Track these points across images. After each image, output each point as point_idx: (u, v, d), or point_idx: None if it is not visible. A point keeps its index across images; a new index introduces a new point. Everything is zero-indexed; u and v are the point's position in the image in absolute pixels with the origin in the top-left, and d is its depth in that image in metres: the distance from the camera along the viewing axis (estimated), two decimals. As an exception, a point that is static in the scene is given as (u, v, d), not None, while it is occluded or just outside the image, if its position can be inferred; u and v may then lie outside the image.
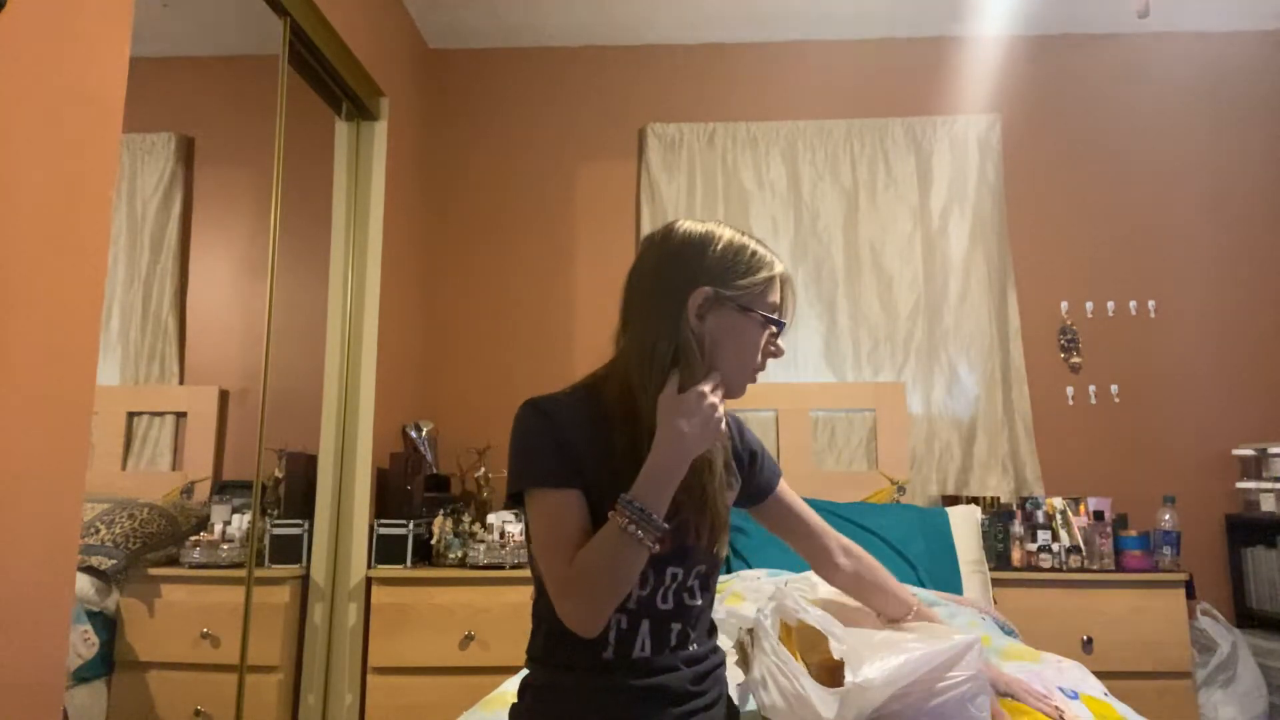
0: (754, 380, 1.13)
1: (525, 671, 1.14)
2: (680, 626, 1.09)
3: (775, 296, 1.11)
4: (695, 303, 1.06)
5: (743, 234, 1.12)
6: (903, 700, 0.91)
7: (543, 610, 1.10)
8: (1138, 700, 1.69)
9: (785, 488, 1.28)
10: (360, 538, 2.63)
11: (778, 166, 3.27)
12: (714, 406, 1.01)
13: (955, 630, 1.08)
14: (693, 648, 1.11)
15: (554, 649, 1.08)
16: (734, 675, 1.39)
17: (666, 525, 1.00)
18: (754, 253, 1.10)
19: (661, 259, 1.11)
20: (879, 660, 0.94)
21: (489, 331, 3.28)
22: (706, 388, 1.01)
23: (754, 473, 1.24)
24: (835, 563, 1.26)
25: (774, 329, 1.11)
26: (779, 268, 1.12)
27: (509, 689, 1.16)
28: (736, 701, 1.24)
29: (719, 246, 1.09)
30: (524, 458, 1.06)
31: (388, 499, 2.76)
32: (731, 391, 1.10)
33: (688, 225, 1.12)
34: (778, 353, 1.13)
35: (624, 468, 1.03)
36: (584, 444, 1.05)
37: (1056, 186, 3.24)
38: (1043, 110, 3.28)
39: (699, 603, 1.12)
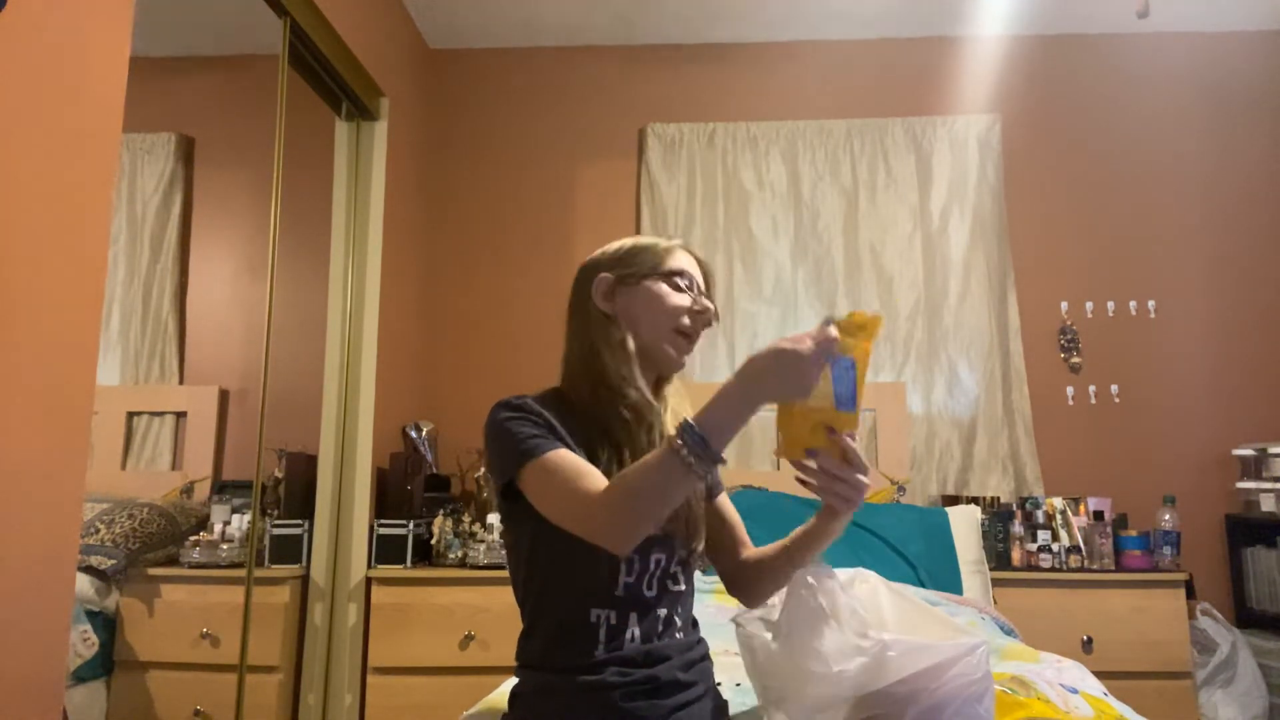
0: (681, 344, 1.16)
1: (515, 680, 1.13)
2: (666, 612, 1.11)
3: (677, 263, 1.18)
4: (600, 290, 1.17)
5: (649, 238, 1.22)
6: (909, 699, 0.91)
7: (538, 614, 1.10)
8: (1138, 700, 1.68)
9: (724, 499, 1.29)
10: (360, 538, 2.63)
11: (778, 166, 3.27)
12: (796, 354, 0.93)
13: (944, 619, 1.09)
14: (679, 635, 1.12)
15: (549, 653, 1.07)
16: (730, 673, 1.39)
17: (724, 459, 0.98)
18: (650, 243, 1.20)
19: (580, 273, 1.22)
20: (901, 638, 0.94)
21: (489, 331, 3.28)
22: (791, 343, 0.93)
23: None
24: (741, 557, 1.25)
25: (685, 286, 1.16)
26: (676, 241, 1.21)
27: (509, 689, 1.16)
28: (726, 696, 1.24)
29: (622, 247, 1.20)
30: (508, 442, 1.07)
31: (388, 499, 2.77)
32: (658, 360, 1.15)
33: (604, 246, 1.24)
34: (704, 311, 1.17)
35: (596, 452, 1.08)
36: (562, 432, 1.09)
37: (1056, 186, 3.24)
38: (1043, 110, 3.28)
39: (682, 588, 1.14)
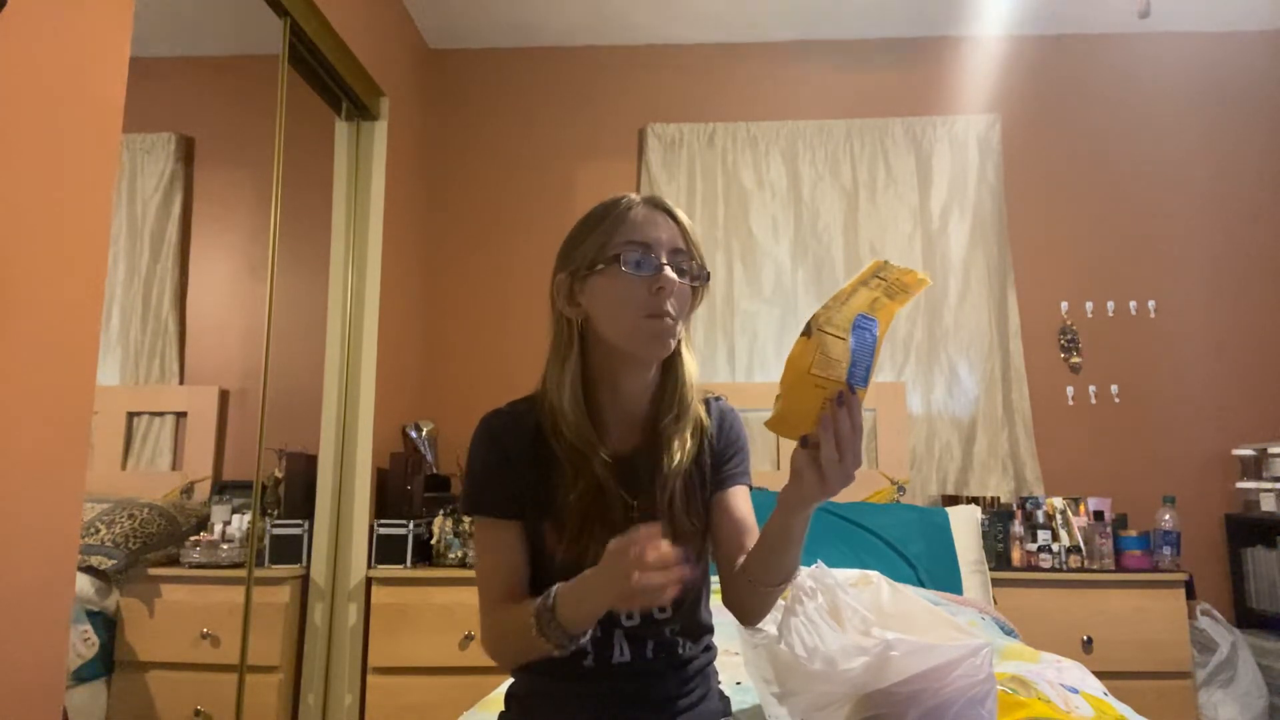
0: (653, 334, 0.99)
1: (510, 680, 1.13)
2: (655, 640, 1.05)
3: (626, 234, 1.01)
4: (560, 293, 1.07)
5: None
6: (912, 700, 0.91)
7: None
8: (1138, 700, 1.68)
9: (737, 492, 1.11)
10: (360, 538, 2.63)
11: (778, 166, 3.27)
12: (629, 578, 0.80)
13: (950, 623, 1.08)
14: (680, 652, 1.08)
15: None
16: (729, 672, 1.39)
17: (580, 641, 0.92)
18: (595, 219, 1.05)
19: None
20: (907, 638, 0.93)
21: (489, 332, 3.28)
22: (627, 549, 0.81)
23: (724, 468, 1.11)
24: (737, 567, 1.06)
25: (639, 261, 1.00)
26: (623, 201, 1.04)
27: (506, 690, 1.16)
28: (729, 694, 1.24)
29: (570, 235, 1.08)
30: (470, 482, 1.07)
31: (388, 499, 2.76)
32: (637, 355, 1.02)
33: None
34: (666, 284, 0.99)
35: (561, 474, 1.03)
36: (522, 458, 1.05)
37: (1056, 186, 3.24)
38: (1043, 110, 3.28)
39: (669, 614, 1.06)
